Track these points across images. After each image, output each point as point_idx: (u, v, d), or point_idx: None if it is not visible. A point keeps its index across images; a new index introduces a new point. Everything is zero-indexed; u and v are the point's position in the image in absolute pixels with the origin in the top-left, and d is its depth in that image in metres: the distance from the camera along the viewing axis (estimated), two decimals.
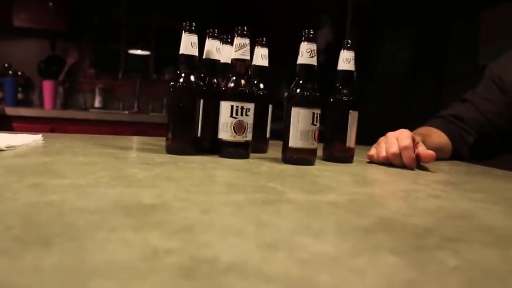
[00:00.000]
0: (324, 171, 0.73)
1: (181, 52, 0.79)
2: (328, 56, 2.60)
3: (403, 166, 0.84)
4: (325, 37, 3.33)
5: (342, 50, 0.86)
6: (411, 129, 0.95)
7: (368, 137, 1.03)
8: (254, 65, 0.91)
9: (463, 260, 0.32)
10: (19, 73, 3.14)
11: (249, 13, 2.97)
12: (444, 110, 1.17)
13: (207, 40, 0.87)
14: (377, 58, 2.98)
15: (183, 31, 0.79)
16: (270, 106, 0.92)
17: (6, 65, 3.12)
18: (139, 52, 3.60)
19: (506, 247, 0.38)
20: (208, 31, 0.86)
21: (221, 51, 0.89)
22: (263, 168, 0.71)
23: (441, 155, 1.00)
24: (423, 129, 1.08)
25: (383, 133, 0.92)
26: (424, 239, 0.37)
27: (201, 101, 0.81)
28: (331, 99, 0.86)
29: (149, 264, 0.26)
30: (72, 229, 0.32)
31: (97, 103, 3.29)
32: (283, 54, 1.76)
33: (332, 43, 3.16)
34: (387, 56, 3.02)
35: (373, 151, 0.90)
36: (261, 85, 0.90)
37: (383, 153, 0.86)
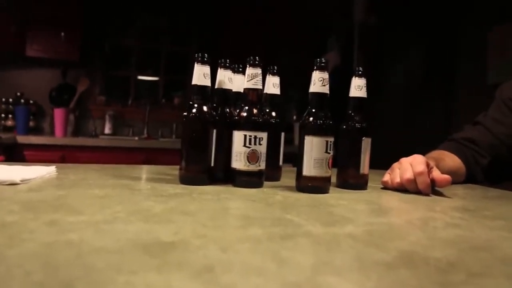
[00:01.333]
0: (339, 200, 0.73)
1: (193, 82, 0.80)
2: (334, 79, 2.61)
3: (418, 192, 0.83)
4: (332, 60, 3.35)
5: (353, 77, 0.87)
6: (421, 150, 0.95)
7: (377, 160, 1.02)
8: (266, 93, 0.91)
9: None
10: (31, 101, 3.19)
11: (258, 40, 3.01)
12: (456, 133, 1.16)
13: (219, 70, 0.88)
14: (385, 79, 2.98)
15: (196, 62, 0.80)
16: (283, 134, 0.92)
17: (18, 94, 3.17)
18: (148, 78, 3.66)
19: None
20: (220, 61, 0.87)
21: (233, 81, 0.90)
22: (277, 198, 0.71)
23: (455, 179, 0.99)
24: (436, 153, 1.07)
25: (393, 155, 0.92)
26: (449, 274, 0.36)
27: (214, 130, 0.81)
28: (344, 126, 0.86)
29: None
30: (92, 272, 0.31)
31: (107, 130, 3.32)
32: (291, 78, 1.77)
33: (339, 66, 3.18)
34: (395, 76, 3.03)
35: (387, 177, 0.89)
36: (273, 113, 0.91)
37: (398, 179, 0.85)
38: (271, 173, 0.88)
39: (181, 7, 3.51)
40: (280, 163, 0.93)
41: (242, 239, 0.44)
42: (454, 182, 0.95)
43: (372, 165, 0.90)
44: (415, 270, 0.37)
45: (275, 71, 0.91)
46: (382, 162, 1.00)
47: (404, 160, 0.87)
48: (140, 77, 3.63)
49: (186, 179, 0.80)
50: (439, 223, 0.60)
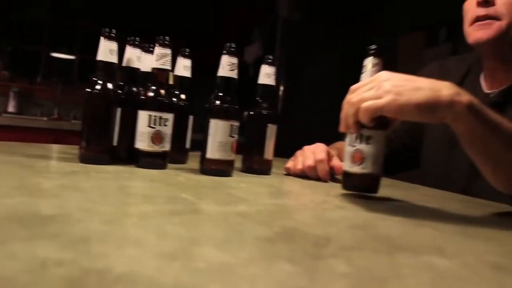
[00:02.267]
0: (240, 183, 0.74)
1: (98, 58, 0.77)
2: (257, 70, 2.65)
3: (318, 179, 0.87)
4: (255, 51, 3.40)
5: (263, 65, 0.89)
6: (330, 141, 1.00)
7: (289, 148, 1.06)
8: (176, 75, 0.90)
9: (354, 267, 0.34)
10: None
11: (183, 25, 2.96)
12: None
13: (127, 47, 0.85)
14: (303, 73, 3.08)
15: (102, 38, 0.77)
16: (191, 117, 0.92)
17: None
18: (62, 55, 3.44)
19: (395, 254, 0.40)
20: (129, 39, 0.85)
21: (142, 60, 0.88)
22: (179, 179, 0.71)
23: None
24: (339, 144, 1.13)
25: (305, 144, 0.96)
26: (322, 248, 0.39)
27: (119, 109, 0.79)
28: (251, 112, 0.88)
29: (32, 277, 0.25)
30: None
31: (11, 108, 3.08)
32: (214, 67, 1.77)
33: (261, 57, 3.23)
34: (314, 72, 3.14)
35: (290, 163, 0.92)
36: (183, 96, 0.90)
37: (300, 166, 0.89)
38: (177, 156, 0.88)
39: None
40: (187, 146, 0.93)
41: (129, 215, 0.43)
42: None
43: (282, 154, 0.93)
44: (292, 244, 0.39)
45: (186, 53, 0.90)
46: (292, 151, 1.03)
47: (307, 148, 0.91)
48: (53, 54, 3.40)
49: (86, 158, 0.77)
50: (328, 206, 0.63)
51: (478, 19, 0.85)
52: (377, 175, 0.69)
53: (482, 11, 0.84)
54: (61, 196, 0.48)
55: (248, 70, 3.10)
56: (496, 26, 0.83)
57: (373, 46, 0.68)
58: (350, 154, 0.68)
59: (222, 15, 3.38)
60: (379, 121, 0.65)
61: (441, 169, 1.03)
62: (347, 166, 0.69)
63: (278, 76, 2.93)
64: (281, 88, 2.88)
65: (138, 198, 0.53)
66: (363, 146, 0.67)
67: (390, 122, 0.68)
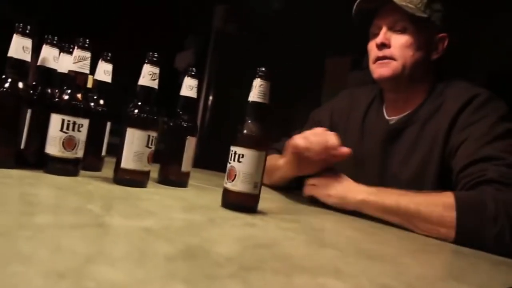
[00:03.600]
0: (153, 195, 0.73)
1: (9, 55, 0.73)
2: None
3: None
4: (187, 59, 3.36)
5: (186, 77, 0.89)
6: None
7: (216, 161, 1.06)
8: (96, 79, 0.87)
9: None
10: None
11: (111, 27, 2.87)
12: (276, 143, 1.27)
13: (44, 46, 0.81)
14: (234, 85, 3.09)
15: (15, 33, 0.73)
16: (109, 123, 0.90)
17: None
18: None
19: (293, 275, 0.42)
20: (46, 37, 0.81)
21: (60, 61, 0.84)
22: (89, 188, 0.69)
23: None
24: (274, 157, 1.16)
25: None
26: (221, 267, 0.40)
27: (29, 110, 0.75)
28: (171, 124, 0.88)
29: None
30: None
31: None
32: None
33: (192, 66, 3.20)
34: (244, 84, 3.16)
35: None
36: (101, 101, 0.87)
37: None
38: (91, 163, 0.85)
39: None
40: (103, 153, 0.90)
41: (24, 226, 0.41)
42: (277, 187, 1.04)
43: (210, 165, 0.92)
44: (192, 263, 0.39)
45: (108, 57, 0.88)
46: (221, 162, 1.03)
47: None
48: None
49: None
50: (239, 222, 0.64)
51: (378, 58, 1.00)
52: (248, 193, 0.70)
53: (380, 53, 0.99)
54: None
55: (178, 78, 3.06)
56: (393, 65, 0.98)
57: (262, 69, 0.72)
58: (227, 171, 0.71)
59: (153, 21, 3.32)
60: (253, 141, 0.68)
61: None
62: (224, 182, 0.71)
63: (208, 86, 2.94)
64: (210, 98, 2.88)
65: (39, 208, 0.51)
66: (236, 164, 0.69)
67: (266, 143, 0.73)
